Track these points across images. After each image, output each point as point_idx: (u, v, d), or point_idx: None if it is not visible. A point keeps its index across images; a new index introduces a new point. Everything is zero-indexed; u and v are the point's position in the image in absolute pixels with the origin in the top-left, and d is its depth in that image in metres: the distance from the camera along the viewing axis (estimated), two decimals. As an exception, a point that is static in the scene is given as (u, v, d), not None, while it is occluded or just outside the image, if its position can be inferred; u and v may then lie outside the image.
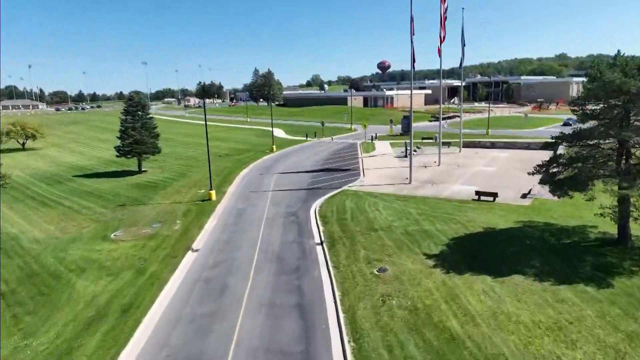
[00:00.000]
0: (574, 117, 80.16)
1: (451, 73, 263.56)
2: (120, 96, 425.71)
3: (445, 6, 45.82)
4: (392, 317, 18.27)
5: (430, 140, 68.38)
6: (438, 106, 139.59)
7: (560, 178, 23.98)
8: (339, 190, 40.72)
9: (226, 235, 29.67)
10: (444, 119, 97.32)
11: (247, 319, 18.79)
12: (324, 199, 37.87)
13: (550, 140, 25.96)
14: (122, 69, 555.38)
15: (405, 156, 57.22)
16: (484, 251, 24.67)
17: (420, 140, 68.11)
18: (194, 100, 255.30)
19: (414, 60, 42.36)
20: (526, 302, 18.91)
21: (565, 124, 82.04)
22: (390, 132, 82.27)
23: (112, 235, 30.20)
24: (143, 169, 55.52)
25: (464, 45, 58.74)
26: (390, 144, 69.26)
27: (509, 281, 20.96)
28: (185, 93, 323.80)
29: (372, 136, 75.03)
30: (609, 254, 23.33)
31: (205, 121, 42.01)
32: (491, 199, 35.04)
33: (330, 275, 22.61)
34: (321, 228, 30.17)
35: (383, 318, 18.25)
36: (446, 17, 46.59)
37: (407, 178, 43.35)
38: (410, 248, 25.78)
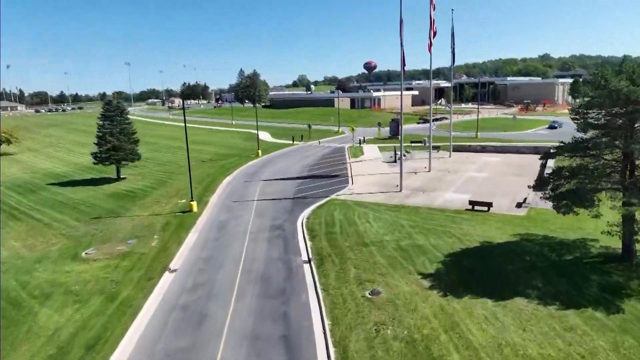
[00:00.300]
0: (559, 120, 79.95)
1: (437, 73, 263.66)
2: (103, 97, 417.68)
3: (434, 12, 44.45)
4: (387, 351, 16.59)
5: (420, 144, 67.07)
6: (425, 107, 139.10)
7: (562, 191, 22.55)
8: (327, 199, 38.99)
9: (207, 252, 27.71)
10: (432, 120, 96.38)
11: (227, 355, 16.93)
12: (311, 209, 36.11)
13: (550, 150, 24.50)
14: (105, 69, 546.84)
15: (395, 161, 55.80)
16: (482, 269, 23.18)
17: (409, 144, 66.71)
18: (178, 101, 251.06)
19: (404, 64, 40.86)
20: (532, 331, 17.40)
21: (551, 127, 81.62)
22: (379, 135, 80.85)
23: (83, 254, 28.00)
24: (122, 176, 53.09)
25: (454, 47, 57.42)
26: (379, 147, 67.74)
27: (512, 305, 19.45)
28: (170, 94, 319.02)
29: (360, 140, 73.50)
30: (614, 272, 22.02)
31: (185, 127, 39.84)
32: (485, 208, 33.65)
33: (319, 300, 20.86)
34: (309, 243, 28.39)
35: (378, 353, 16.56)
36: (434, 19, 45.33)
37: (397, 185, 41.83)
38: (404, 266, 24.17)
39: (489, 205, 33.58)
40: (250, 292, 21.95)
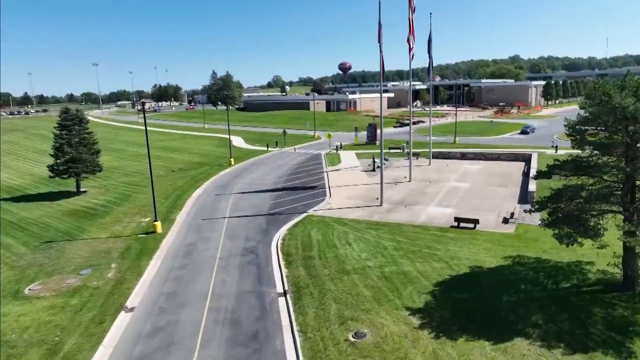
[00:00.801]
0: (532, 125, 79.98)
1: (412, 74, 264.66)
2: (70, 98, 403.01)
3: (413, 15, 42.45)
4: (377, 418, 14.18)
5: (398, 151, 65.26)
6: (400, 110, 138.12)
7: (561, 216, 20.62)
8: (304, 215, 36.45)
9: (170, 286, 24.72)
10: (407, 124, 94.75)
11: None
12: (287, 228, 33.50)
13: (544, 169, 22.58)
14: (73, 69, 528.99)
15: (373, 170, 53.78)
16: (475, 302, 21.07)
17: (388, 151, 64.74)
18: (149, 104, 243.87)
19: (383, 70, 38.73)
20: (539, 385, 15.30)
21: (523, 132, 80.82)
22: (356, 140, 78.79)
23: (26, 290, 24.59)
24: (82, 189, 49.30)
25: (431, 50, 55.79)
26: (357, 154, 65.60)
27: (512, 349, 17.34)
28: (141, 95, 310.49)
29: (336, 146, 71.20)
30: (618, 302, 20.24)
31: (147, 140, 36.58)
32: (472, 225, 31.74)
33: (296, 347, 18.26)
34: (284, 271, 25.78)
35: (366, 421, 14.13)
36: (414, 17, 43.36)
37: (377, 199, 39.64)
38: (390, 299, 21.85)
39: (475, 222, 31.68)
40: (217, 338, 19.19)
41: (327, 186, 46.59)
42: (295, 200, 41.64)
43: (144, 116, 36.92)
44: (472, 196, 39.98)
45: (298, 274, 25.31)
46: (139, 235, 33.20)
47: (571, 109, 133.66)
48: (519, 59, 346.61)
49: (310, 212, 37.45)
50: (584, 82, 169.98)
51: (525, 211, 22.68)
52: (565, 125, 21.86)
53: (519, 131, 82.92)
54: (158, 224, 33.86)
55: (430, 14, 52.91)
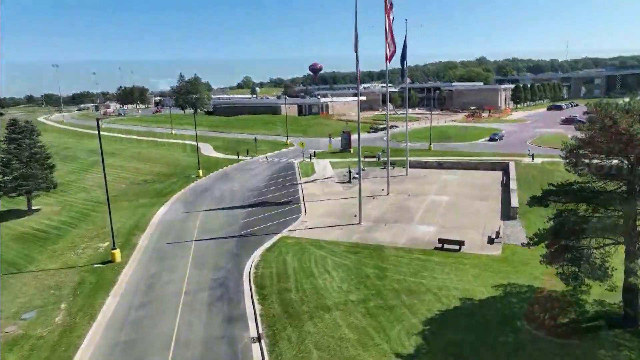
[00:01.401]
0: (501, 131, 78.86)
1: (381, 75, 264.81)
2: (30, 100, 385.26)
3: (391, 18, 40.60)
4: None
5: (374, 159, 63.41)
6: (373, 113, 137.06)
7: (558, 248, 18.97)
8: (278, 237, 33.96)
9: (127, 332, 21.78)
10: (382, 129, 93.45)
11: None
12: (260, 252, 30.95)
13: (538, 194, 20.94)
14: (33, 68, 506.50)
15: (349, 181, 51.77)
16: (470, 345, 19.17)
17: (363, 159, 62.63)
18: (114, 106, 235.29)
19: (360, 80, 36.71)
20: None
21: (491, 140, 79.93)
22: (330, 147, 76.62)
23: (-44, 343, 21.21)
24: (35, 207, 45.23)
25: (405, 57, 54.10)
26: (331, 163, 63.33)
27: (517, 407, 15.47)
28: (106, 97, 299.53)
29: (310, 154, 68.82)
30: (622, 341, 18.73)
31: (102, 154, 33.30)
32: (457, 247, 30.04)
33: (274, 413, 15.87)
34: (258, 308, 23.29)
35: None
36: (393, 19, 41.49)
37: (355, 216, 37.54)
38: (377, 343, 19.70)
39: (461, 243, 29.97)
40: (181, 403, 16.56)
41: (302, 201, 44.16)
42: (268, 218, 39.06)
43: (99, 133, 33.49)
44: (454, 212, 38.42)
45: (273, 311, 22.86)
46: (95, 266, 29.95)
47: (540, 112, 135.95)
48: (486, 61, 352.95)
49: (285, 232, 35.00)
50: (550, 84, 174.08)
51: (523, 244, 21.04)
52: (562, 149, 20.24)
53: (495, 135, 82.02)
54: (117, 252, 30.64)
55: (406, 20, 51.40)
